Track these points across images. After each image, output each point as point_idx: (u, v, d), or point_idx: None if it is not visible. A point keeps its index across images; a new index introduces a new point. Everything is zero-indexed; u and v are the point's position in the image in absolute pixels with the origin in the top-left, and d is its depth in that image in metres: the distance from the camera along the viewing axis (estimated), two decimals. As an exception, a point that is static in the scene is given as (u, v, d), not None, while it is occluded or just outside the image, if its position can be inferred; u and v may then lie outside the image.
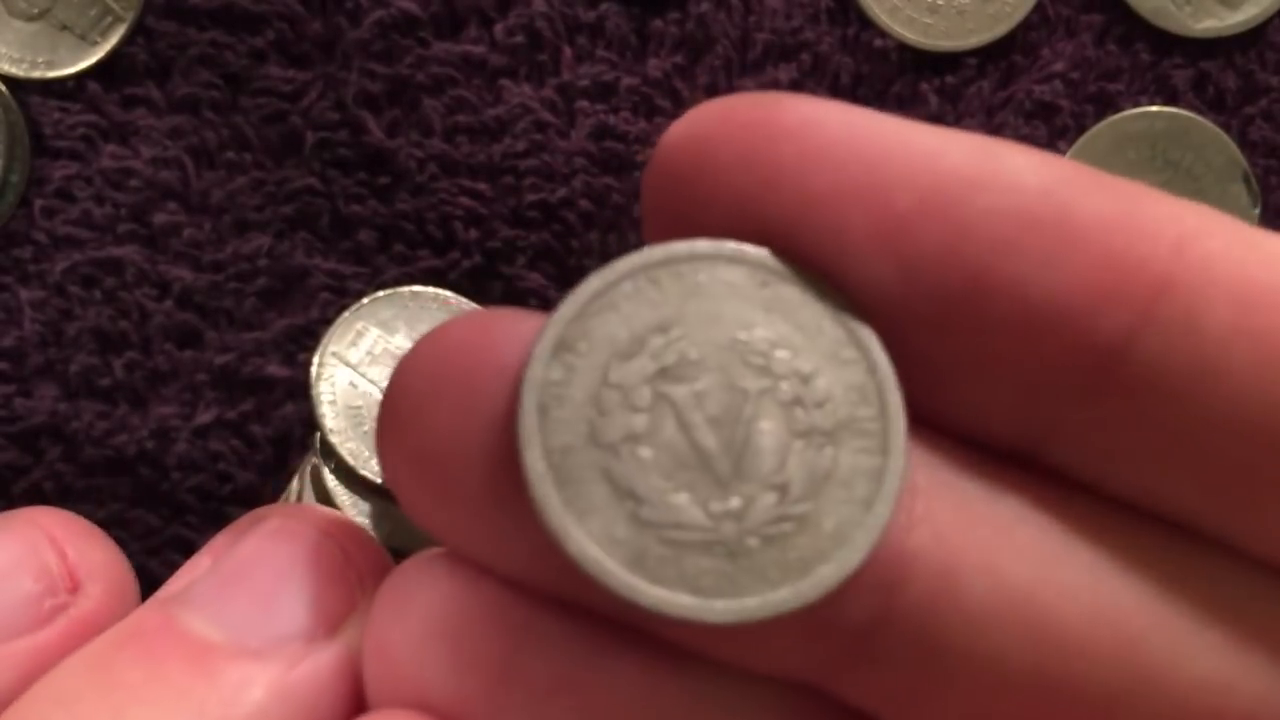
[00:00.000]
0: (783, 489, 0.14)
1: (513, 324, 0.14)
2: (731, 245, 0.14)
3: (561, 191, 0.33)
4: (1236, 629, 0.14)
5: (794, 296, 0.14)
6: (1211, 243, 0.14)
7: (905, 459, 0.14)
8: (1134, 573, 0.14)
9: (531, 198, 0.33)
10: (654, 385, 0.14)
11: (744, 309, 0.14)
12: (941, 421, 0.15)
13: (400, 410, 0.15)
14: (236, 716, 0.15)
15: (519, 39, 0.33)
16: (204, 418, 0.32)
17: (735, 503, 0.14)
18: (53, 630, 0.17)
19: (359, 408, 0.29)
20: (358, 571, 0.17)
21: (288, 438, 0.33)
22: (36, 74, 0.33)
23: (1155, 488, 0.15)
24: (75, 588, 0.18)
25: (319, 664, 0.16)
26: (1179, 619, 0.14)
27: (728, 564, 0.14)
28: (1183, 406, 0.14)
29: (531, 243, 0.33)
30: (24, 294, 0.33)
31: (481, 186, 0.33)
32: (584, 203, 0.33)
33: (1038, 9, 0.34)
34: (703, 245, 0.14)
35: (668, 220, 0.15)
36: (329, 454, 0.29)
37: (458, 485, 0.14)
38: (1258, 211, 0.34)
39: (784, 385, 0.14)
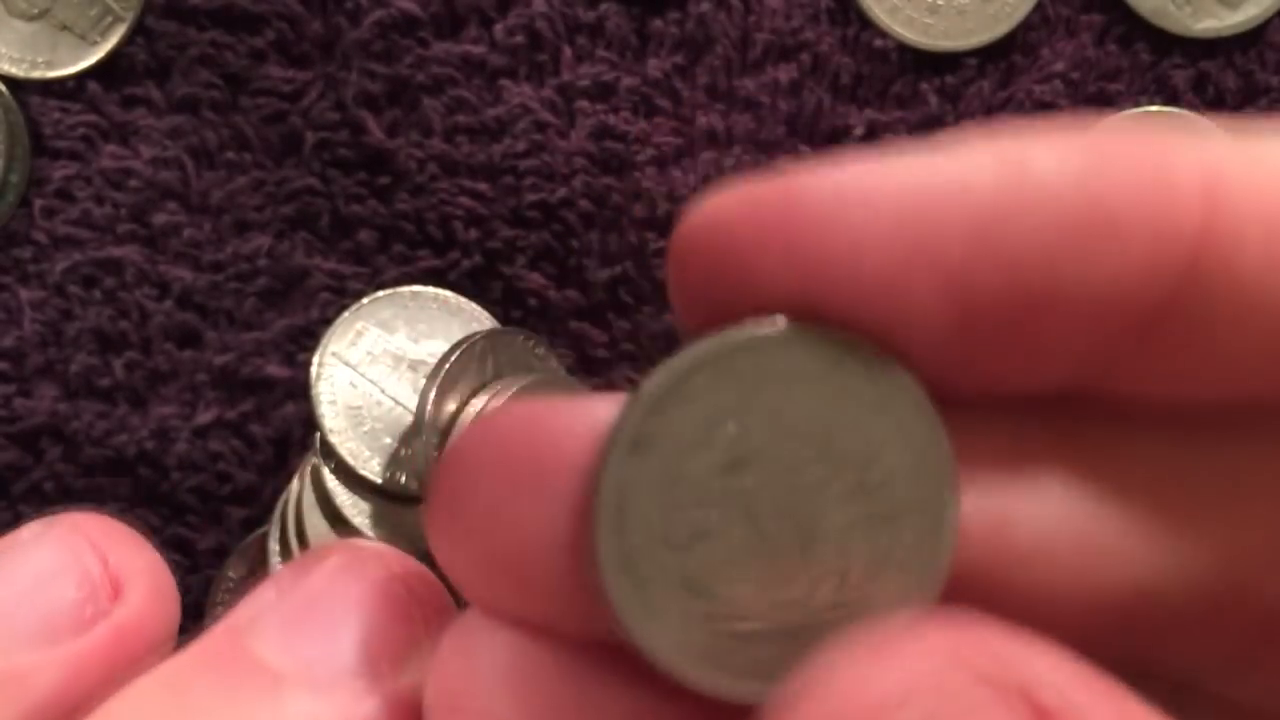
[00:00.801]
0: (843, 575, 0.14)
1: (574, 415, 0.14)
2: (791, 327, 0.14)
3: (561, 191, 0.33)
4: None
5: (859, 374, 0.14)
6: (1233, 171, 0.14)
7: (954, 538, 0.14)
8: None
9: (531, 198, 0.33)
10: (723, 480, 0.14)
11: (810, 395, 0.14)
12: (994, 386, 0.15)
13: (460, 504, 0.15)
14: None
15: (519, 39, 0.33)
16: (204, 418, 0.32)
17: (799, 591, 0.14)
18: (94, 636, 0.17)
19: (359, 408, 0.29)
20: (422, 610, 0.17)
21: (288, 438, 0.33)
22: (36, 74, 0.33)
23: (1213, 387, 0.15)
24: (117, 594, 0.18)
25: (382, 700, 0.16)
26: None
27: (790, 649, 0.14)
28: (1232, 337, 0.14)
29: (531, 243, 0.33)
30: (24, 294, 0.33)
31: (481, 186, 0.33)
32: (584, 203, 0.33)
33: (1038, 9, 0.34)
34: (767, 330, 0.14)
35: (700, 309, 0.15)
36: (329, 454, 0.29)
37: (526, 577, 0.14)
38: (1258, 211, 0.34)
39: (848, 473, 0.14)
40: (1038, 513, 0.15)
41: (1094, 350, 0.15)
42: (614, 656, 0.15)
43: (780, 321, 0.14)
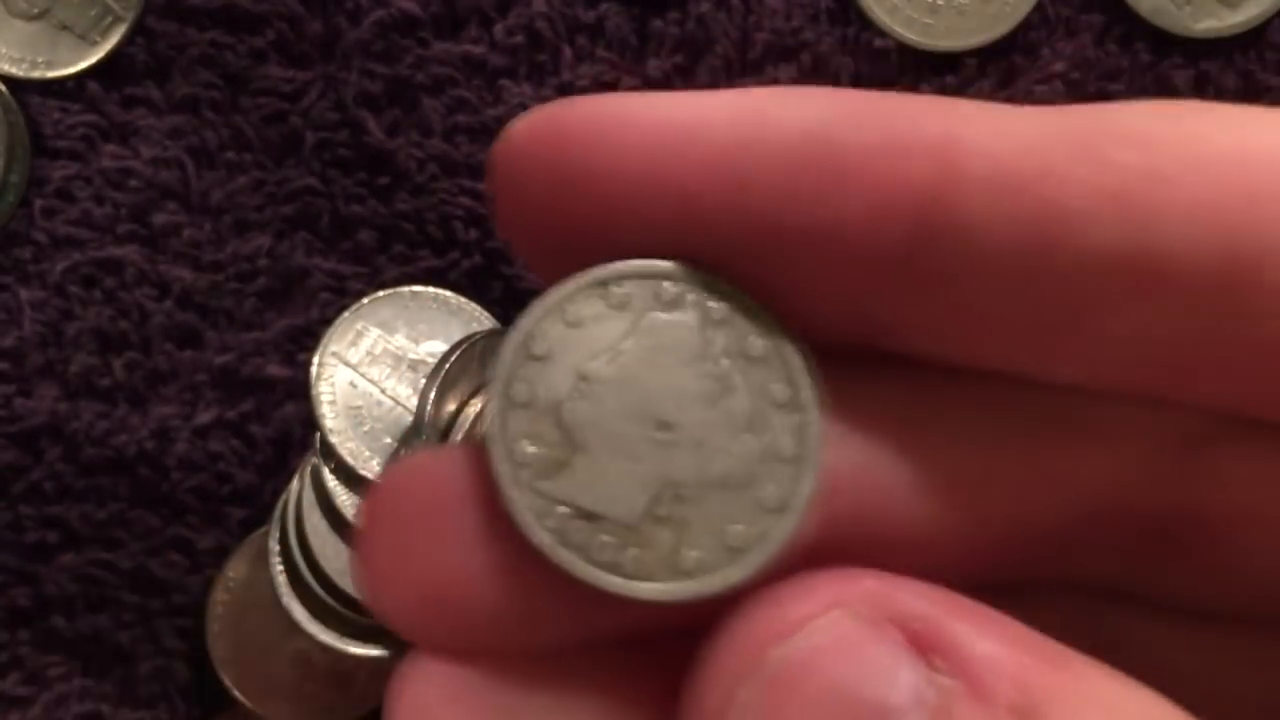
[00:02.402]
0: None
1: (456, 456, 0.16)
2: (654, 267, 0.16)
3: (561, 191, 0.33)
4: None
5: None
6: (965, 140, 0.15)
7: (816, 483, 0.16)
8: None
9: (531, 198, 0.33)
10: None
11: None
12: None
13: (378, 555, 0.16)
14: None
15: (519, 39, 0.33)
16: (204, 418, 0.33)
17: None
18: None
19: (359, 407, 0.29)
20: None
21: (288, 438, 0.33)
22: (36, 74, 0.33)
23: (976, 350, 0.16)
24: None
25: None
26: None
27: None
28: (972, 288, 0.16)
29: (531, 243, 0.33)
30: (24, 294, 0.33)
31: (481, 186, 0.33)
32: (584, 203, 0.33)
33: (1038, 9, 0.34)
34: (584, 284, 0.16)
35: (519, 224, 0.16)
36: (329, 454, 0.29)
37: (452, 606, 0.16)
38: (1258, 211, 0.34)
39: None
40: (900, 449, 0.17)
41: (851, 292, 0.16)
42: (556, 670, 0.16)
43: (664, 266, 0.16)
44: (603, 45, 0.34)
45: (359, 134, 0.33)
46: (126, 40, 0.33)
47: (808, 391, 0.16)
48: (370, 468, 0.29)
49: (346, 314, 0.31)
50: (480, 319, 0.31)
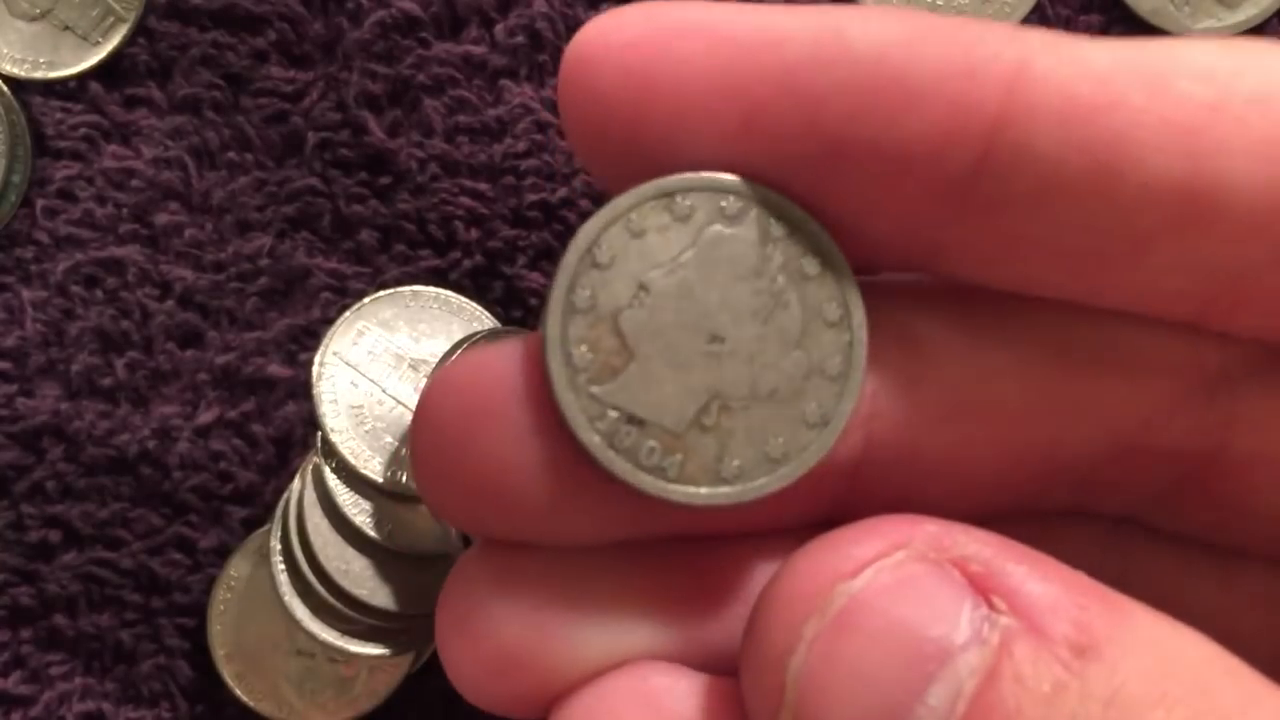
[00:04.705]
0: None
1: (505, 351, 0.16)
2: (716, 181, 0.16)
3: (562, 191, 0.33)
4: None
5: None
6: (1038, 68, 0.15)
7: (855, 399, 0.17)
8: None
9: (532, 198, 0.33)
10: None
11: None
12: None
13: (431, 448, 0.17)
14: None
15: (519, 39, 0.33)
16: (205, 417, 0.33)
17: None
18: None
19: (360, 407, 0.29)
20: None
21: (289, 437, 0.33)
22: (38, 74, 0.33)
23: (1028, 276, 0.17)
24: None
25: None
26: None
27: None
28: (1033, 213, 0.16)
29: (532, 242, 0.33)
30: (26, 294, 0.33)
31: (482, 186, 0.33)
32: (584, 202, 0.33)
33: (1037, 9, 0.34)
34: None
35: (587, 130, 0.17)
36: (330, 453, 0.29)
37: (496, 496, 0.16)
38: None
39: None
40: (941, 378, 0.17)
41: (912, 213, 0.16)
42: (602, 566, 0.17)
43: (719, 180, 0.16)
44: (603, 45, 0.34)
45: (360, 134, 0.33)
46: (128, 41, 0.33)
47: (859, 313, 0.16)
48: (372, 467, 0.29)
49: (348, 313, 0.31)
50: (481, 318, 0.32)
